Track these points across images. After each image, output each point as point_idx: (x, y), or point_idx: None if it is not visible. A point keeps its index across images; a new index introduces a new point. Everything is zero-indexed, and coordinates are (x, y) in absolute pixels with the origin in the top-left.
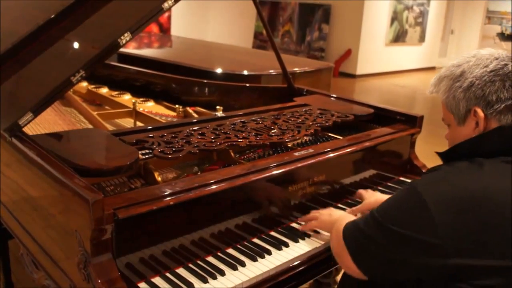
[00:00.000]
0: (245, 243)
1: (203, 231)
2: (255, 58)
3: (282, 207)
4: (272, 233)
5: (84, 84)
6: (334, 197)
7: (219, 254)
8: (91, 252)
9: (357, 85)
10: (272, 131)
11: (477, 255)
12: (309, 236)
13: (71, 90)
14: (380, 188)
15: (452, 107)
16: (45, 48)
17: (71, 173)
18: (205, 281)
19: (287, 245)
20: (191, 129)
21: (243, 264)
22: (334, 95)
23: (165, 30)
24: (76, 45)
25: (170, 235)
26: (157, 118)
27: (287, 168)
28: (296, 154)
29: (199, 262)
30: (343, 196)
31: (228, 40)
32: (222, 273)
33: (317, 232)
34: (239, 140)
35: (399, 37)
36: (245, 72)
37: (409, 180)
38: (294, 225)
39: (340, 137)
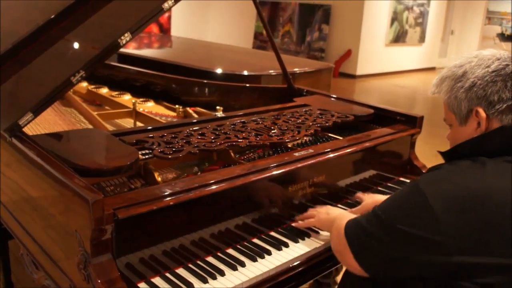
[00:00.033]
0: (245, 243)
1: (203, 231)
2: (255, 59)
3: (282, 207)
4: (272, 233)
5: (84, 84)
6: (334, 197)
7: (219, 254)
8: (91, 252)
9: (357, 85)
10: (272, 131)
11: (479, 253)
12: (309, 236)
13: (71, 90)
14: (380, 188)
15: (454, 107)
16: (45, 48)
17: (71, 173)
18: (205, 281)
19: (287, 246)
20: (191, 129)
21: (243, 265)
22: (334, 96)
23: (165, 30)
24: (76, 45)
25: (170, 235)
26: (157, 118)
27: (287, 169)
28: (296, 154)
29: (199, 262)
30: (343, 196)
31: (228, 40)
32: (222, 273)
33: (317, 233)
34: (239, 141)
35: (399, 38)
36: (245, 73)
37: (409, 181)
38: (294, 225)
39: (340, 138)
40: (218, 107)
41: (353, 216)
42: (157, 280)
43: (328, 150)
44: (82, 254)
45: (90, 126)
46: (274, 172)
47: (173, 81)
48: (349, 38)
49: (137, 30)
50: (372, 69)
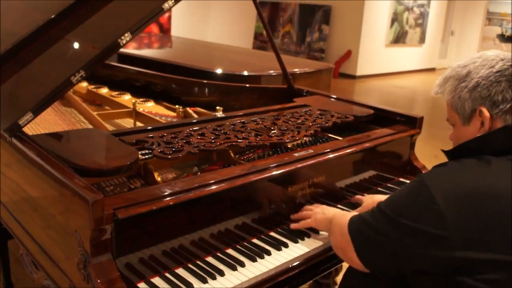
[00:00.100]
0: (245, 243)
1: (203, 231)
2: (255, 59)
3: (282, 207)
4: (272, 233)
5: (84, 84)
6: (333, 198)
7: (218, 254)
8: (90, 252)
9: (357, 86)
10: (272, 131)
11: (482, 249)
12: (308, 236)
13: (71, 90)
14: (379, 189)
15: (457, 107)
16: (46, 48)
17: (71, 173)
18: (204, 281)
19: (286, 246)
20: (191, 129)
21: (242, 265)
22: (334, 96)
23: (165, 30)
24: (76, 45)
25: (169, 235)
26: (157, 118)
27: (287, 169)
28: (296, 154)
29: (198, 262)
30: (342, 197)
31: (228, 40)
32: (221, 273)
33: (317, 233)
34: (239, 141)
35: (399, 38)
36: (245, 73)
37: (409, 181)
38: (291, 226)
39: (340, 138)
40: (218, 107)
41: (354, 213)
42: (156, 280)
43: (328, 150)
44: (81, 254)
45: (90, 126)
46: (274, 173)
47: (173, 81)
48: (349, 38)
49: (137, 30)
50: (372, 69)
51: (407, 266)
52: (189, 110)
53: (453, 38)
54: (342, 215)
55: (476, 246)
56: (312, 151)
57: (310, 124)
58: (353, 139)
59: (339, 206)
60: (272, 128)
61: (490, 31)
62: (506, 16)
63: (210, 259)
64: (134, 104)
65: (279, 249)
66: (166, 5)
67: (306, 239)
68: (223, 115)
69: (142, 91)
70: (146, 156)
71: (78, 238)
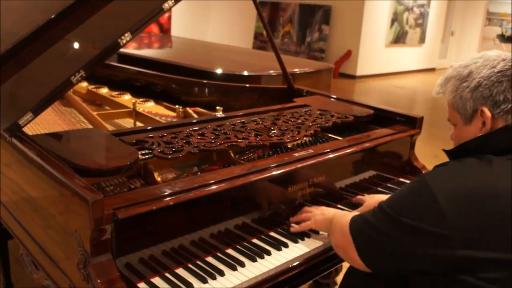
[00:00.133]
0: (245, 243)
1: (203, 232)
2: (255, 59)
3: (282, 207)
4: (272, 233)
5: (84, 84)
6: (333, 198)
7: (218, 254)
8: (90, 252)
9: (357, 86)
10: (272, 131)
11: (483, 248)
12: (308, 236)
13: (71, 90)
14: (379, 189)
15: (459, 107)
16: (46, 48)
17: (71, 173)
18: (204, 281)
19: (286, 246)
20: (191, 129)
21: (242, 265)
22: (334, 96)
23: (165, 30)
24: (76, 45)
25: (169, 235)
26: (157, 118)
27: (287, 169)
28: (296, 154)
29: (198, 262)
30: (342, 197)
31: (228, 40)
32: (221, 273)
33: (317, 233)
34: (239, 141)
35: (399, 38)
36: (245, 73)
37: (408, 181)
38: (291, 230)
39: (340, 138)
40: (218, 107)
41: (355, 213)
42: (156, 280)
43: (328, 150)
44: (81, 254)
45: (90, 126)
46: (274, 173)
47: (173, 81)
48: (349, 38)
49: (137, 30)
50: (372, 69)
51: (408, 266)
52: (189, 110)
53: (453, 38)
54: (342, 215)
55: (477, 245)
56: (312, 151)
57: (310, 124)
58: (353, 139)
59: (339, 206)
60: (272, 128)
61: (490, 31)
62: (506, 16)
63: (210, 259)
64: (134, 104)
65: (279, 249)
66: (166, 5)
67: (306, 239)
68: (223, 115)
69: (142, 91)
70: (146, 156)
71: (78, 238)
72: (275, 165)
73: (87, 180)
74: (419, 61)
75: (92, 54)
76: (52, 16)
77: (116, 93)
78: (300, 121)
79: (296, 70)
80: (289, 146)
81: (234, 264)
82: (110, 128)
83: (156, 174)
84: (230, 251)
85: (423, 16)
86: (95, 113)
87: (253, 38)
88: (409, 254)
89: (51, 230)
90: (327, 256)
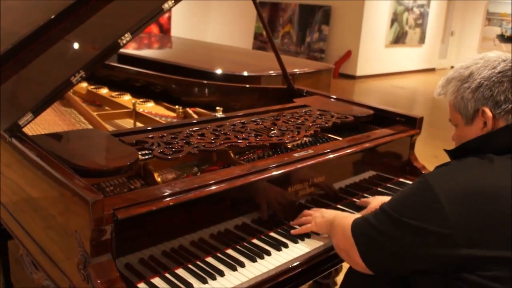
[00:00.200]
0: (245, 243)
1: (203, 232)
2: (255, 59)
3: (282, 208)
4: (272, 233)
5: (84, 84)
6: (333, 198)
7: (218, 254)
8: (90, 252)
9: (357, 86)
10: (272, 132)
11: (485, 247)
12: (308, 236)
13: (71, 90)
14: (379, 189)
15: (460, 108)
16: (46, 48)
17: (71, 174)
18: (204, 281)
19: (286, 246)
20: (191, 130)
21: (242, 265)
22: (334, 96)
23: (165, 31)
24: (76, 45)
25: (169, 236)
26: (157, 118)
27: (287, 169)
28: (296, 155)
29: (198, 262)
30: (342, 197)
31: (228, 41)
32: (221, 273)
33: (316, 233)
34: (239, 141)
35: (399, 39)
36: (245, 73)
37: (408, 182)
38: (292, 232)
39: (340, 138)
40: (218, 108)
41: (356, 215)
42: (156, 281)
43: (328, 150)
44: (81, 254)
45: (90, 127)
46: (274, 173)
47: (173, 81)
48: (349, 39)
49: (137, 31)
50: (372, 70)
51: (411, 266)
52: (189, 110)
53: (453, 38)
54: (343, 217)
55: (479, 243)
56: (312, 152)
57: (310, 124)
58: (353, 140)
59: (339, 206)
60: (272, 128)
61: (490, 31)
62: (506, 17)
63: (210, 260)
64: (134, 104)
65: (279, 249)
66: (166, 6)
67: (306, 239)
68: (223, 116)
69: (142, 91)
70: (146, 157)
71: (78, 238)
72: (275, 165)
73: (87, 180)
74: (419, 61)
75: (92, 54)
76: (52, 16)
77: (116, 93)
78: (300, 121)
79: (296, 70)
80: (289, 146)
81: (234, 265)
82: (110, 128)
83: (156, 175)
84: (230, 251)
85: (423, 16)
86: (95, 113)
87: (253, 39)
88: (411, 254)
89: (51, 230)
90: (327, 256)
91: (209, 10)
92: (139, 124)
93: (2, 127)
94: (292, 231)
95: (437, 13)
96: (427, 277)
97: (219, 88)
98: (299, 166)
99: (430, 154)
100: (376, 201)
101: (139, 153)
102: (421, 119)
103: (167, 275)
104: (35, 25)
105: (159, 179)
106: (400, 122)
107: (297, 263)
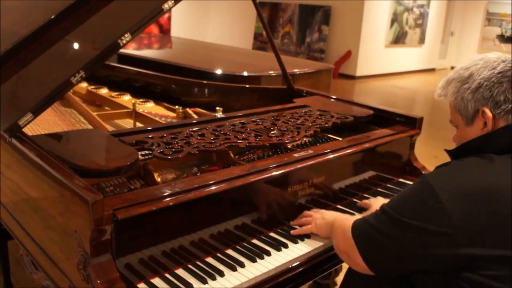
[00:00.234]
0: (244, 244)
1: (203, 232)
2: (255, 59)
3: (281, 208)
4: (271, 234)
5: (84, 84)
6: (333, 198)
7: (218, 255)
8: (90, 252)
9: (356, 86)
10: (272, 132)
11: (486, 246)
12: (308, 237)
13: (71, 90)
14: (379, 189)
15: (460, 108)
16: (46, 48)
17: (71, 174)
18: (204, 281)
19: (286, 246)
20: (190, 130)
21: (242, 265)
22: (333, 96)
23: (165, 31)
24: (76, 45)
25: (169, 236)
26: (157, 119)
27: (287, 169)
28: (296, 155)
29: (198, 263)
30: (342, 197)
31: (228, 41)
32: (221, 274)
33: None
34: (239, 141)
35: (399, 39)
36: (245, 73)
37: (408, 182)
38: (292, 233)
39: (340, 139)
40: (217, 108)
41: (357, 216)
42: (156, 281)
43: (328, 151)
44: (81, 254)
45: (90, 127)
46: (274, 173)
47: (173, 81)
48: (349, 39)
49: (137, 31)
50: (372, 70)
51: (412, 266)
52: (189, 110)
53: (452, 38)
54: (344, 219)
55: (480, 243)
56: (312, 152)
57: (310, 124)
58: (353, 140)
59: (339, 206)
60: (272, 128)
61: (489, 31)
62: (505, 17)
63: (210, 260)
64: (134, 104)
65: (279, 250)
66: (166, 6)
67: (306, 239)
68: (223, 116)
69: (142, 91)
70: (146, 157)
71: (78, 238)
72: (274, 165)
73: (87, 180)
74: (419, 62)
75: (92, 54)
76: (52, 17)
77: (116, 93)
78: (300, 121)
79: (296, 70)
80: (289, 146)
81: (234, 265)
82: (110, 128)
83: (156, 175)
84: (230, 251)
85: (423, 16)
86: (95, 113)
87: (253, 39)
88: (412, 254)
89: (51, 230)
90: (327, 256)
91: (209, 10)
92: (139, 124)
93: (2, 127)
94: (292, 232)
95: (437, 13)
96: (428, 276)
97: (219, 88)
98: (299, 166)
99: (430, 154)
100: (377, 203)
101: (139, 153)
102: (421, 119)
103: (167, 275)
104: (35, 25)
105: (159, 179)
106: (400, 122)
107: (297, 263)
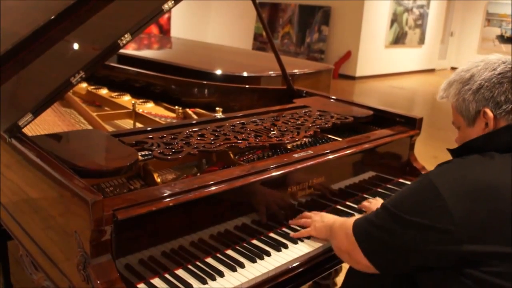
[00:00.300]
0: (244, 244)
1: (202, 232)
2: (255, 60)
3: (281, 208)
4: (271, 234)
5: (84, 85)
6: (333, 199)
7: (218, 255)
8: (90, 253)
9: (356, 87)
10: (272, 132)
11: (488, 242)
12: (308, 237)
13: (71, 91)
14: (379, 190)
15: (462, 109)
16: (46, 49)
17: (71, 174)
18: (204, 282)
19: (286, 247)
20: (190, 130)
21: (242, 266)
22: (333, 97)
23: (165, 31)
24: (76, 46)
25: (169, 236)
26: (157, 119)
27: (286, 170)
28: (296, 155)
29: (198, 263)
30: (342, 198)
31: (228, 41)
32: (221, 274)
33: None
34: (239, 142)
35: (398, 39)
36: (245, 74)
37: (408, 182)
38: (291, 235)
39: (340, 139)
40: (217, 108)
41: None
42: (156, 281)
43: (328, 151)
44: (81, 255)
45: (90, 127)
46: (274, 174)
47: (173, 82)
48: (348, 39)
49: (137, 31)
50: (371, 70)
51: (414, 262)
52: (189, 111)
53: (452, 39)
54: (344, 220)
55: (482, 239)
56: (312, 152)
57: (310, 125)
58: (353, 140)
59: (338, 207)
60: (271, 129)
61: (489, 32)
62: (505, 17)
63: (209, 260)
64: (133, 105)
65: (278, 250)
66: (166, 6)
67: (305, 240)
68: (222, 116)
69: (141, 92)
70: (146, 157)
71: (78, 239)
72: (274, 166)
73: (87, 181)
74: (418, 62)
75: (92, 55)
76: (53, 17)
77: (116, 94)
78: (299, 122)
79: (295, 71)
80: (288, 147)
81: (233, 265)
82: (109, 129)
83: (156, 175)
84: (229, 252)
85: (423, 17)
86: (95, 114)
87: (253, 39)
88: (414, 251)
89: (51, 231)
90: (327, 257)
91: (209, 10)
92: (138, 125)
93: (2, 127)
94: (291, 234)
95: (437, 13)
96: (430, 273)
97: (218, 88)
98: (298, 166)
99: (429, 154)
100: (377, 204)
101: (139, 153)
102: (421, 119)
103: (167, 275)
104: (35, 25)
105: (158, 180)
106: (400, 122)
107: (297, 263)
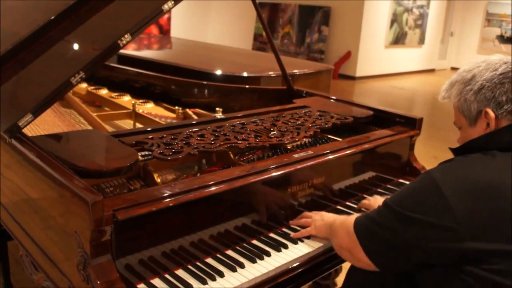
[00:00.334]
0: (244, 244)
1: (202, 233)
2: (255, 60)
3: (281, 208)
4: (271, 234)
5: (84, 85)
6: (333, 199)
7: (218, 255)
8: (90, 253)
9: (356, 87)
10: (272, 132)
11: (490, 240)
12: (308, 237)
13: (71, 91)
14: (379, 190)
15: (463, 110)
16: (46, 49)
17: (71, 175)
18: (204, 282)
19: (286, 247)
20: (190, 130)
21: (242, 266)
22: (333, 97)
23: (165, 31)
24: (76, 46)
25: (169, 237)
26: (157, 119)
27: (286, 170)
28: (296, 156)
29: (198, 263)
30: (342, 198)
31: (227, 41)
32: (221, 274)
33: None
34: (239, 142)
35: (398, 39)
36: (245, 74)
37: (408, 182)
38: (291, 236)
39: (340, 139)
40: (217, 109)
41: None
42: (156, 281)
43: (328, 151)
44: (81, 255)
45: (90, 127)
46: (274, 174)
47: (173, 82)
48: (348, 39)
49: (137, 31)
50: (371, 70)
51: (415, 260)
52: (189, 111)
53: (452, 39)
54: (344, 219)
55: (483, 237)
56: (312, 152)
57: (310, 125)
58: (353, 140)
59: (338, 207)
60: (271, 129)
61: (489, 32)
62: (505, 17)
63: (209, 260)
64: (133, 105)
65: (278, 250)
66: (165, 6)
67: (305, 240)
68: (222, 116)
69: (141, 92)
70: (146, 158)
71: (78, 239)
72: (274, 166)
73: (87, 181)
74: (418, 62)
75: (92, 55)
76: (53, 17)
77: (116, 94)
78: (299, 122)
79: (295, 71)
80: (288, 147)
81: (233, 265)
82: (109, 129)
83: (155, 175)
84: (229, 252)
85: (423, 17)
86: (95, 114)
87: (253, 39)
88: (416, 248)
89: (51, 231)
90: (327, 257)
91: (209, 10)
92: (138, 125)
93: (2, 128)
94: (292, 234)
95: (437, 13)
96: (431, 270)
97: (218, 89)
98: (298, 167)
99: (429, 154)
100: (376, 202)
101: (139, 154)
102: (421, 119)
103: (166, 276)
104: (35, 25)
105: (158, 180)
106: (400, 123)
107: (297, 264)
